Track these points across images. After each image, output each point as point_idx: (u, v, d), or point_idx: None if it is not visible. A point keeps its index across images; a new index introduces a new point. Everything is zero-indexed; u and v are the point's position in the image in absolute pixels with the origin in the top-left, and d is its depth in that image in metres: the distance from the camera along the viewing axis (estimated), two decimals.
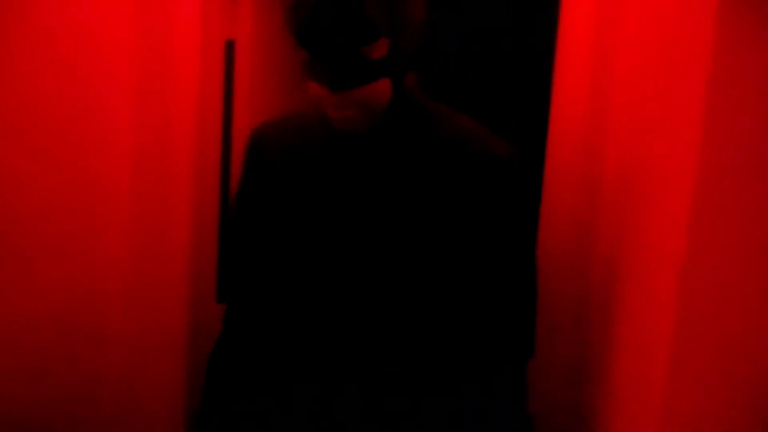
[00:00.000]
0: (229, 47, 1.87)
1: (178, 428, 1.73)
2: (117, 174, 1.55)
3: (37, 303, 1.44)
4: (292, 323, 1.16)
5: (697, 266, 0.87)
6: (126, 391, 1.60)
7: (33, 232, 1.44)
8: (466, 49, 2.09)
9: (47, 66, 1.45)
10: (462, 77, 2.10)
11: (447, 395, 1.12)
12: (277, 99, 2.11)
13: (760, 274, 0.86)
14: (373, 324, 1.10)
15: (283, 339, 1.18)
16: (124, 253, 1.56)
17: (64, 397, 1.51)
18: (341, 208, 1.09)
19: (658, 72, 1.04)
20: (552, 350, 1.44)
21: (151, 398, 1.64)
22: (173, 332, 1.68)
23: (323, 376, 1.14)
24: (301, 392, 1.16)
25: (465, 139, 1.07)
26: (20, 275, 1.41)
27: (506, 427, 1.11)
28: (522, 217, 1.09)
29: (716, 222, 0.87)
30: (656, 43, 1.06)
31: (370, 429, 1.12)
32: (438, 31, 2.05)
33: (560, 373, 1.43)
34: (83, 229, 1.51)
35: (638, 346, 1.03)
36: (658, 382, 0.92)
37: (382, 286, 1.09)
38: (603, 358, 1.19)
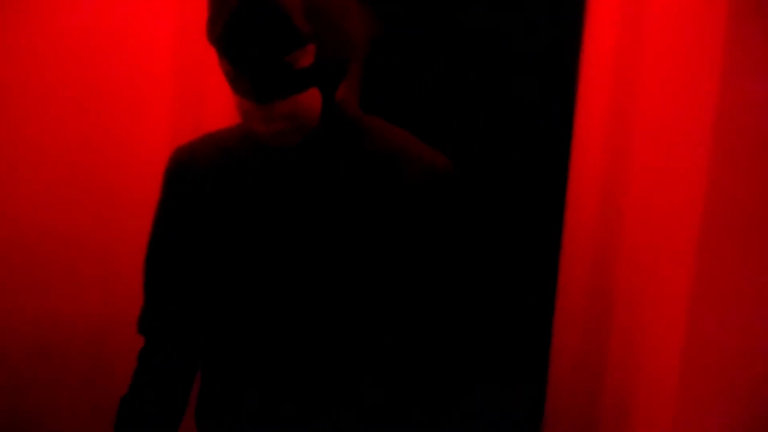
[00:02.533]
0: None
1: None
2: (153, 167, 1.61)
3: None
4: (221, 355, 1.09)
5: (708, 264, 0.93)
6: None
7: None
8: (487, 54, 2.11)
9: (88, 58, 1.52)
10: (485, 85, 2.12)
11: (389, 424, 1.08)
12: None
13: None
14: (308, 352, 1.03)
15: (211, 376, 1.11)
16: None
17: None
18: (272, 229, 1.03)
19: (676, 86, 1.08)
20: (571, 352, 1.48)
21: None
22: None
23: (252, 415, 1.07)
24: None
25: (399, 153, 1.03)
26: None
27: None
28: (460, 231, 1.04)
29: (725, 229, 0.91)
30: (675, 54, 1.10)
31: None
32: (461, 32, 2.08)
33: (577, 371, 1.47)
34: (115, 228, 1.60)
35: (651, 348, 1.08)
36: (672, 382, 0.97)
37: (318, 311, 1.02)
38: (619, 352, 1.24)
